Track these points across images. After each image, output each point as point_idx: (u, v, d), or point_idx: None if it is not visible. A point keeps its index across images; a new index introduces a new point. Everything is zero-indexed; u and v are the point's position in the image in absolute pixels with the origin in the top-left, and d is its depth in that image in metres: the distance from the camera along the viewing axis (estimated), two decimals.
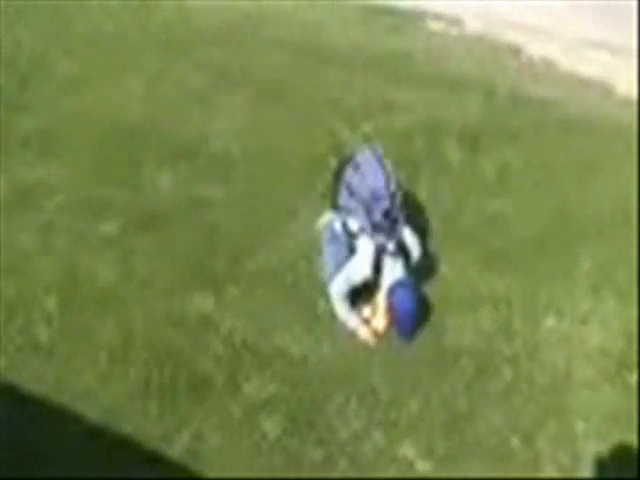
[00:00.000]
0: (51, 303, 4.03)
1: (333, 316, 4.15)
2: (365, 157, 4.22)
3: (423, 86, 6.40)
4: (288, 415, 3.65)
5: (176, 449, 3.46)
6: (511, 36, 7.31)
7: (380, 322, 4.11)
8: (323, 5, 7.55)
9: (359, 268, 4.09)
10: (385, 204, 4.08)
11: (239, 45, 6.75)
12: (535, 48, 7.20)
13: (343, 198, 4.21)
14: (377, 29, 7.34)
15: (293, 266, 4.45)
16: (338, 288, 4.13)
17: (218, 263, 4.43)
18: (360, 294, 4.19)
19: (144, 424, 3.53)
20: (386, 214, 4.07)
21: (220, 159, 5.27)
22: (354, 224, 4.16)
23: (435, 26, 7.45)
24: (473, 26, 7.44)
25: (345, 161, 4.31)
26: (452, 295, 4.42)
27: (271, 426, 3.59)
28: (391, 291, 4.02)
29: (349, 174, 4.19)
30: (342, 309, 4.13)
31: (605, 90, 6.77)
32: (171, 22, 6.87)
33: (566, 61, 7.07)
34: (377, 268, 4.09)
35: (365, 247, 4.09)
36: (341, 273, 4.11)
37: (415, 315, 4.05)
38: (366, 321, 4.15)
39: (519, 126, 6.09)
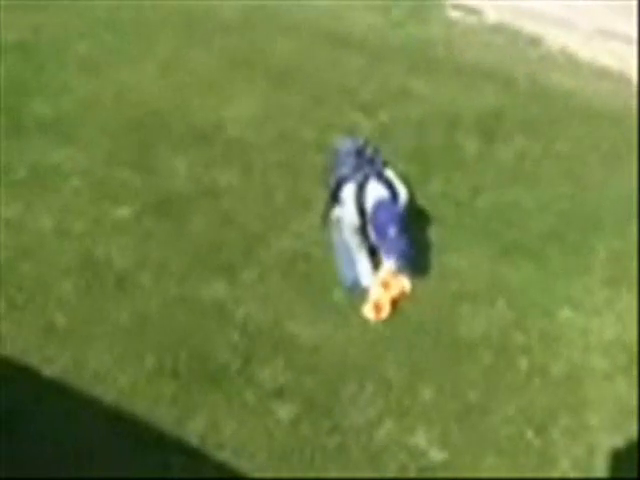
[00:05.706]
0: (67, 286, 4.05)
1: (347, 304, 4.15)
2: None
3: (441, 75, 6.36)
4: (302, 402, 3.65)
5: (190, 435, 3.47)
6: (530, 26, 7.25)
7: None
8: None
9: (347, 214, 4.25)
10: (354, 150, 4.34)
11: (255, 31, 6.72)
12: (554, 38, 7.14)
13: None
14: (396, 17, 7.29)
15: (308, 253, 4.45)
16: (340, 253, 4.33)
17: (232, 249, 4.43)
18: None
19: (158, 409, 3.55)
20: (359, 154, 4.32)
21: (235, 145, 5.26)
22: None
23: (455, 15, 7.40)
24: (492, 15, 7.38)
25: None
26: (467, 286, 4.40)
27: (285, 413, 3.59)
28: (373, 212, 4.09)
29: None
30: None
31: (623, 81, 6.72)
32: (188, 8, 6.85)
33: (585, 52, 7.01)
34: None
35: (348, 191, 4.24)
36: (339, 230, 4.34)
37: (398, 227, 3.99)
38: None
39: (537, 116, 6.05)
